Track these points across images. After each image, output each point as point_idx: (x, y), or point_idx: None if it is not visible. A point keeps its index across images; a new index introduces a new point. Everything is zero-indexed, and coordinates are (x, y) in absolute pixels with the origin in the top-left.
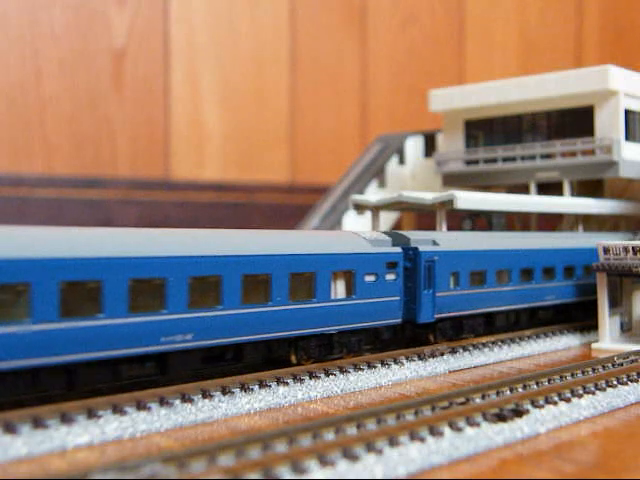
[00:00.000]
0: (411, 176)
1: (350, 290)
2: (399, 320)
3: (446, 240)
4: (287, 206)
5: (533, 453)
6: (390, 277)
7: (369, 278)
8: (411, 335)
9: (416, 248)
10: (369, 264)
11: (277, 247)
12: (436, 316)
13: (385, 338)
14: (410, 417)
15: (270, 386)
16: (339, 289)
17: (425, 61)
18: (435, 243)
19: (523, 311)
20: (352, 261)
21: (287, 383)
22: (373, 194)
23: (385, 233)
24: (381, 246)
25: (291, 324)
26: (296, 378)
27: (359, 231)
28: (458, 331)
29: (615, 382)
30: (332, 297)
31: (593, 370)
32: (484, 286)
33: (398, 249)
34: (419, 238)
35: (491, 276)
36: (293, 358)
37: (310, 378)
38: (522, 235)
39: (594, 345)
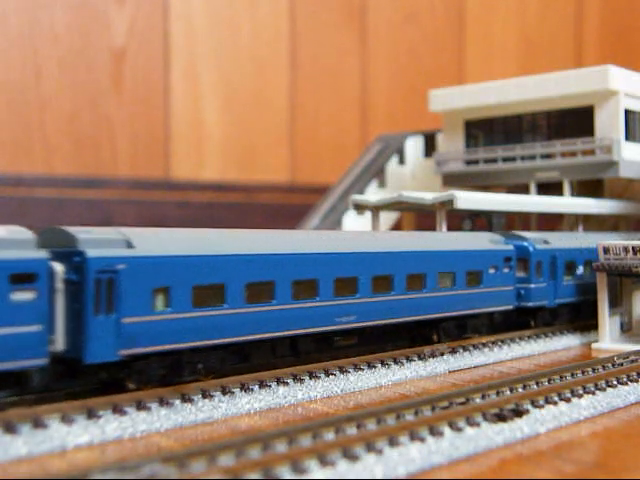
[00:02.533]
0: (411, 176)
1: (477, 280)
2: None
3: (556, 239)
4: (287, 206)
5: (533, 453)
6: (506, 270)
7: (492, 271)
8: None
9: (526, 247)
10: (492, 259)
11: (430, 246)
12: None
13: (498, 321)
14: (410, 417)
15: (270, 386)
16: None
17: (425, 61)
18: (546, 242)
19: None
20: (480, 257)
21: (287, 383)
22: (373, 194)
23: (499, 233)
24: (497, 244)
25: (436, 308)
26: (296, 378)
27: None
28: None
29: (615, 382)
30: (465, 286)
31: (593, 370)
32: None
33: (511, 247)
34: (533, 237)
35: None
36: (435, 337)
37: (310, 378)
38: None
39: (594, 345)
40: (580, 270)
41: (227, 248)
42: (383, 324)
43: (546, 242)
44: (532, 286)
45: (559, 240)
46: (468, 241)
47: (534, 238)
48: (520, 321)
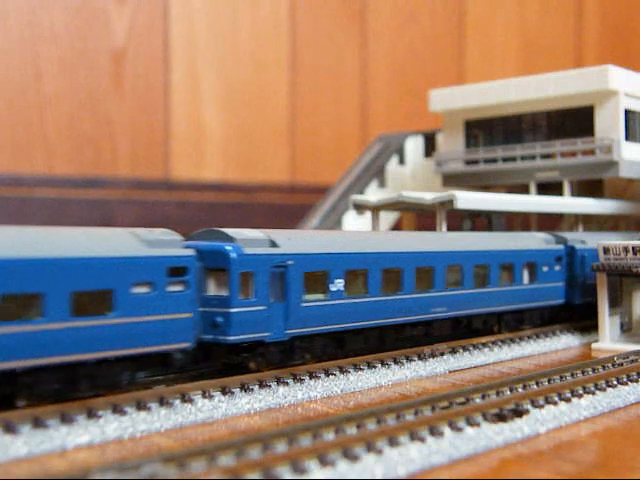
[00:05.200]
0: (411, 176)
1: (533, 277)
2: (562, 301)
3: (590, 239)
4: (287, 206)
5: (533, 453)
6: (557, 268)
7: (545, 269)
8: (566, 315)
9: (573, 246)
10: (546, 258)
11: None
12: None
13: (546, 316)
14: (410, 417)
15: (270, 386)
16: (526, 276)
17: (425, 61)
18: (583, 242)
19: None
20: (535, 255)
21: (287, 383)
22: (373, 194)
23: (550, 234)
24: (549, 243)
25: (500, 302)
26: (296, 378)
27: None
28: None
29: (615, 382)
30: (523, 282)
31: (593, 370)
32: None
33: (561, 246)
34: (574, 238)
35: None
36: (495, 328)
37: (310, 378)
38: None
39: (594, 345)
40: None
41: (368, 246)
42: (456, 316)
43: (583, 242)
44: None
45: (591, 240)
46: (525, 241)
47: (576, 239)
48: (566, 315)
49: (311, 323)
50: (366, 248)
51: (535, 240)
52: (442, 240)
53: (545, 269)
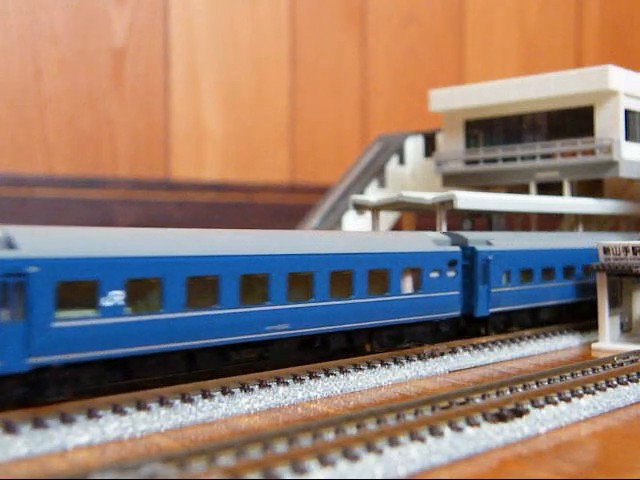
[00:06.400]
0: (411, 176)
1: (417, 285)
2: (458, 313)
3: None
4: (287, 206)
5: (533, 453)
6: (451, 274)
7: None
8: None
9: (473, 248)
10: (431, 262)
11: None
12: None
13: (443, 331)
14: (410, 417)
15: (270, 386)
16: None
17: (425, 61)
18: (489, 243)
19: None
20: (419, 259)
21: (287, 383)
22: (373, 194)
23: (446, 233)
24: (441, 245)
25: (367, 316)
26: (296, 378)
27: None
28: (507, 324)
29: (615, 382)
30: (403, 291)
31: (593, 370)
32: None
33: (457, 248)
34: (478, 238)
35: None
36: (368, 347)
37: (310, 378)
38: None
39: (594, 345)
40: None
41: (164, 248)
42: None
43: (489, 243)
44: None
45: (503, 240)
46: (408, 242)
47: (480, 239)
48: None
49: (70, 348)
50: (160, 250)
51: (422, 241)
52: (281, 240)
53: (434, 275)
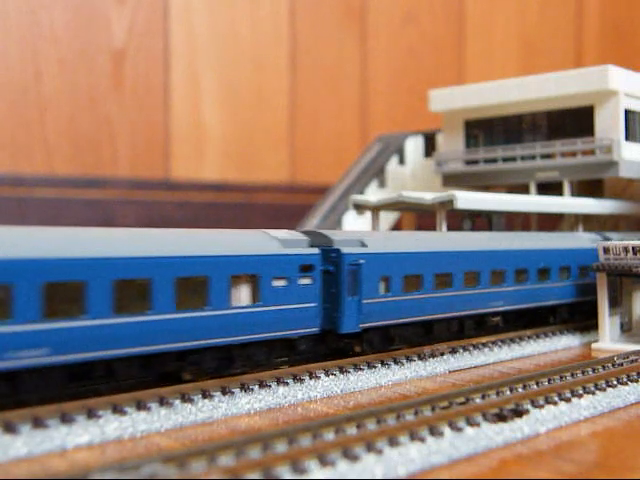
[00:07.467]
0: (411, 176)
1: (255, 296)
2: (316, 329)
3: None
4: (287, 206)
5: (533, 453)
6: (305, 281)
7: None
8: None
9: (338, 250)
10: (275, 267)
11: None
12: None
13: (299, 350)
14: (410, 417)
15: (270, 386)
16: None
17: (425, 61)
18: (363, 244)
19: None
20: (255, 264)
21: (287, 383)
22: (373, 194)
23: (303, 232)
24: (291, 246)
25: (178, 336)
26: (296, 378)
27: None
28: (390, 341)
29: (615, 382)
30: (230, 305)
31: (593, 370)
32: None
33: (315, 250)
34: (346, 238)
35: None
36: (184, 376)
37: (310, 378)
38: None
39: (594, 345)
40: None
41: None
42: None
43: (362, 244)
44: None
45: (381, 241)
46: (242, 244)
47: (350, 239)
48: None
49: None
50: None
51: (260, 241)
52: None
53: (279, 284)
